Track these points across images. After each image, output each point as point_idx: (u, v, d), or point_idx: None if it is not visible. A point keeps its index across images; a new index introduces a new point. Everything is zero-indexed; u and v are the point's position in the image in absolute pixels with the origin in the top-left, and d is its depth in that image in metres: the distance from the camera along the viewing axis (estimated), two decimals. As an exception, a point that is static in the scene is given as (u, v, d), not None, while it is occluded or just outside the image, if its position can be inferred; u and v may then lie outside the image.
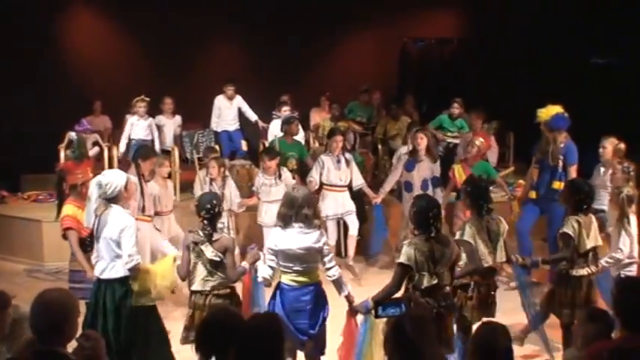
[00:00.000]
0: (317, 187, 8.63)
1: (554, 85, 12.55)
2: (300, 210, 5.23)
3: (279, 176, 8.54)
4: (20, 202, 10.82)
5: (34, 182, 11.32)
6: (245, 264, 5.52)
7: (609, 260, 6.11)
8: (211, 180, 8.40)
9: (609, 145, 7.61)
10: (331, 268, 5.37)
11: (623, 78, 12.62)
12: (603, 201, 7.33)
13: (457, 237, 5.71)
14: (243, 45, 14.54)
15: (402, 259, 5.06)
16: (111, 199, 5.32)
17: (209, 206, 5.40)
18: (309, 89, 13.29)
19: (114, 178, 5.35)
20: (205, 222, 5.41)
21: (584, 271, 5.85)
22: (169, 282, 5.49)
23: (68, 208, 6.45)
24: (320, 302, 5.34)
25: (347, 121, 11.68)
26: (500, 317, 5.37)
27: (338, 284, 5.41)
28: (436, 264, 5.03)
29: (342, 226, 9.06)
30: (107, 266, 5.35)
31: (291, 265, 5.27)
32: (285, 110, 10.50)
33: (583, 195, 5.94)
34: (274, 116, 10.85)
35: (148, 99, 10.56)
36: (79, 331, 3.70)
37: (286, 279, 5.31)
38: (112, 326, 5.27)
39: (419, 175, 8.69)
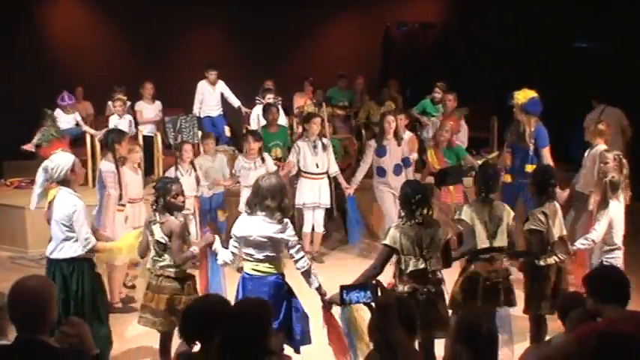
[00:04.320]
0: (295, 169, 8.57)
1: (537, 69, 12.60)
2: (262, 200, 5.13)
3: (262, 160, 8.47)
4: (3, 188, 10.74)
5: (16, 169, 11.23)
6: (195, 248, 5.52)
7: (584, 242, 6.05)
8: (177, 165, 8.38)
9: (592, 126, 7.64)
10: (299, 259, 5.21)
11: (606, 62, 12.68)
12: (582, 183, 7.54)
13: (455, 216, 5.73)
14: (225, 30, 14.47)
15: (387, 240, 5.06)
16: (59, 182, 5.51)
17: (153, 190, 5.62)
18: (292, 74, 13.25)
19: (60, 161, 5.53)
20: (153, 205, 5.57)
21: (551, 260, 5.77)
22: (135, 254, 5.77)
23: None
24: (281, 294, 5.18)
25: (330, 106, 11.65)
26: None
27: (307, 276, 5.23)
28: (423, 248, 5.03)
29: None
30: (57, 247, 5.53)
31: (251, 252, 5.18)
32: (269, 98, 10.46)
33: (545, 177, 5.93)
34: (257, 102, 10.81)
35: (124, 97, 10.56)
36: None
37: (248, 268, 5.24)
38: (61, 305, 5.23)
39: (391, 159, 8.65)
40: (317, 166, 8.66)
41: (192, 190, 8.37)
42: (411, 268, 5.02)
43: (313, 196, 8.67)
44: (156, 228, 5.46)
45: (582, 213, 7.55)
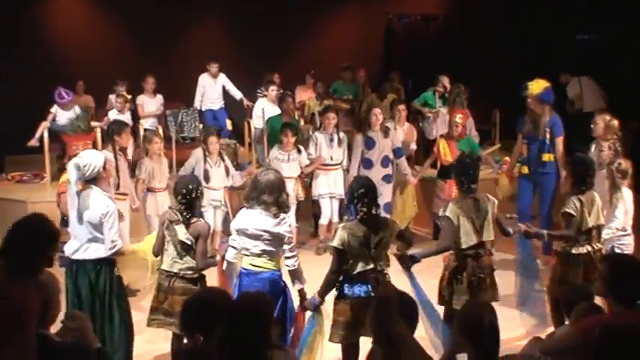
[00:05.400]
0: (324, 160, 8.67)
1: (539, 61, 12.56)
2: (260, 195, 5.14)
3: (298, 152, 8.54)
4: (4, 182, 10.73)
5: (17, 163, 11.23)
6: (218, 257, 5.47)
7: (608, 231, 6.08)
8: (206, 157, 8.30)
9: (601, 122, 7.60)
10: (291, 257, 5.23)
11: (607, 54, 12.67)
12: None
13: (440, 213, 5.68)
14: (227, 23, 14.42)
15: (335, 243, 4.97)
16: (90, 181, 5.27)
17: (184, 190, 5.32)
18: (294, 67, 13.18)
19: (91, 159, 5.29)
20: (182, 206, 5.34)
21: (583, 249, 5.77)
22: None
23: (66, 176, 6.39)
24: (276, 291, 5.11)
25: (333, 99, 11.61)
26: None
27: (294, 275, 5.24)
28: (371, 248, 4.95)
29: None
30: (81, 247, 5.29)
31: (249, 246, 5.17)
32: (273, 90, 10.44)
33: (583, 168, 5.90)
34: (259, 95, 10.77)
35: (127, 95, 10.54)
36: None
37: (246, 263, 5.22)
38: (88, 308, 5.19)
39: (380, 151, 8.63)
40: (332, 158, 8.75)
41: (223, 181, 8.34)
42: (358, 270, 4.93)
43: (328, 186, 8.74)
44: (180, 228, 5.29)
45: None
